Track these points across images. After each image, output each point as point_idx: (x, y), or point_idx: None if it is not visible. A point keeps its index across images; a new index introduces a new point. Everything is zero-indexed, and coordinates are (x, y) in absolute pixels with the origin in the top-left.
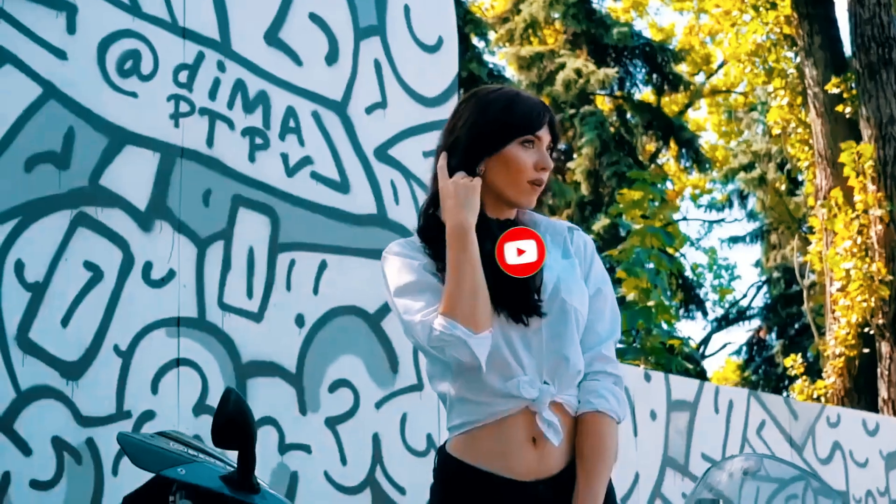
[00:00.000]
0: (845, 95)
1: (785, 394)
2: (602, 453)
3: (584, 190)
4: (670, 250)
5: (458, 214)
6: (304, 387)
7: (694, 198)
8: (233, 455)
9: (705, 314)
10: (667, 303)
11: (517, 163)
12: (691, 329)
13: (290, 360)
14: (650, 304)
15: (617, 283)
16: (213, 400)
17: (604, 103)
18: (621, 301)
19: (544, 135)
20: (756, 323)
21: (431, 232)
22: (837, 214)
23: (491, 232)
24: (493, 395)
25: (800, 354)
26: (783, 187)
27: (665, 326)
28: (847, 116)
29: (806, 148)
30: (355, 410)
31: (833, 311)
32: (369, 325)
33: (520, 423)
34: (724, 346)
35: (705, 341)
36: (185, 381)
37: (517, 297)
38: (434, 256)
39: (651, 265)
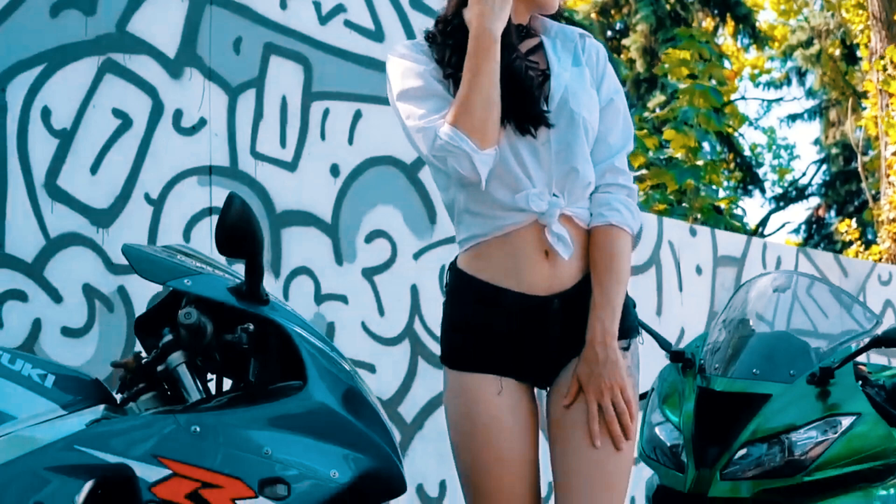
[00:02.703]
0: None
1: None
2: (616, 266)
3: (639, 67)
4: (729, 130)
5: (489, 21)
6: (340, 237)
7: (752, 77)
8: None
9: (763, 192)
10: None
11: None
12: (750, 208)
13: (325, 210)
14: (698, 162)
15: (665, 142)
16: None
17: None
18: (669, 161)
19: None
20: (815, 201)
21: (450, 37)
22: (894, 75)
23: (507, 37)
24: (501, 209)
25: (854, 220)
26: (837, 52)
27: (712, 186)
28: None
29: (860, 11)
30: (392, 261)
31: (888, 176)
32: (406, 175)
33: (529, 236)
34: (783, 225)
35: (764, 222)
36: None
37: (523, 106)
38: (441, 62)
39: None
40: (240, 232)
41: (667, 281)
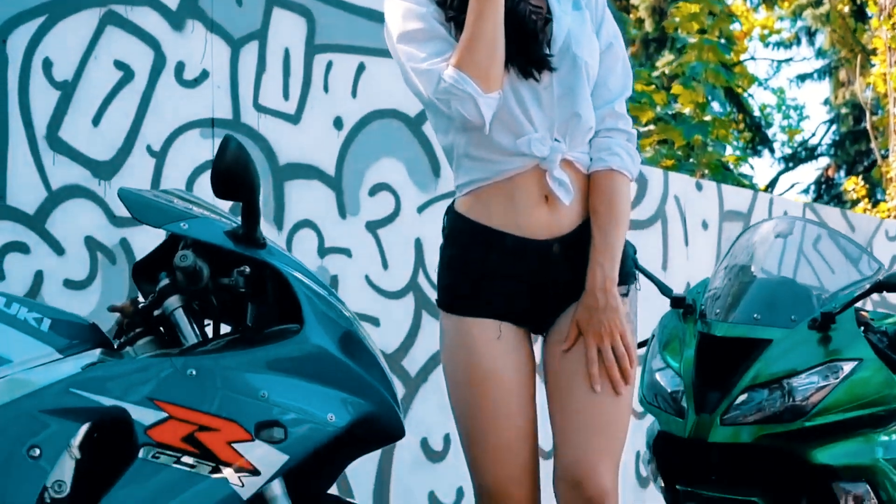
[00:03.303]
0: None
1: None
2: (616, 210)
3: (648, 27)
4: (738, 90)
5: None
6: (344, 190)
7: (762, 38)
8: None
9: (773, 152)
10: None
11: None
12: (760, 169)
13: (328, 163)
14: (706, 118)
15: (673, 97)
16: None
17: None
18: (677, 116)
19: None
20: (824, 161)
21: None
22: None
23: None
24: (503, 153)
25: (861, 178)
26: (846, 9)
27: (720, 142)
28: None
29: None
30: (396, 214)
31: None
32: (410, 128)
33: (530, 181)
34: (793, 185)
35: (773, 182)
36: None
37: (527, 50)
38: (442, 4)
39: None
40: (237, 177)
41: (672, 236)
